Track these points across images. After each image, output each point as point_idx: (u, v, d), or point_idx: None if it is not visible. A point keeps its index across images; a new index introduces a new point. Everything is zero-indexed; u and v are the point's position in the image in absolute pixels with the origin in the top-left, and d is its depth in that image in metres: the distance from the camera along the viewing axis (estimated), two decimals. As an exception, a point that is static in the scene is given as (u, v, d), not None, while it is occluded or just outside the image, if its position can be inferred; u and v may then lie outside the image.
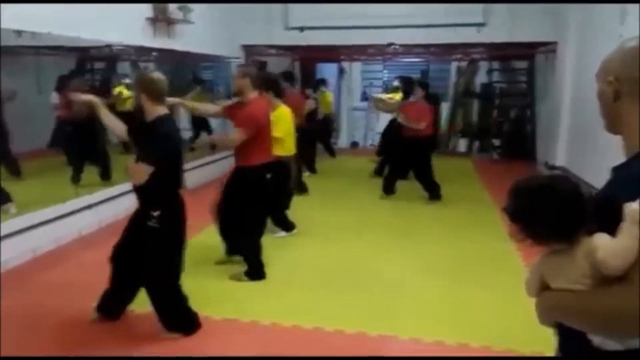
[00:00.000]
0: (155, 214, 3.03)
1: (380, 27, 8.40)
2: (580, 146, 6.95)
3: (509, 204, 1.26)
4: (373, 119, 12.02)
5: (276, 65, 10.32)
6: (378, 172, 8.29)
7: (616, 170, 1.25)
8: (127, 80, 6.78)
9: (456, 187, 7.93)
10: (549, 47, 8.47)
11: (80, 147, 6.06)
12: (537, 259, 1.30)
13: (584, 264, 1.15)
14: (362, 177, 8.47)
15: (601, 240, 1.14)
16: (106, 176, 6.15)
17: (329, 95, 9.68)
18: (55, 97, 5.94)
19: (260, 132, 4.09)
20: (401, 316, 3.63)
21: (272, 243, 5.06)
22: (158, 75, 3.16)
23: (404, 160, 7.05)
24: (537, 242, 1.24)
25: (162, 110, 3.10)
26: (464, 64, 11.34)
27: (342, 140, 12.31)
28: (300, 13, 8.59)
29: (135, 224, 3.19)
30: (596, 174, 5.96)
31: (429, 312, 3.70)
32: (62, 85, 5.82)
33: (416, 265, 4.61)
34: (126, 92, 6.46)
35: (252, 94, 4.13)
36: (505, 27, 8.08)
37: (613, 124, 1.29)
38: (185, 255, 3.27)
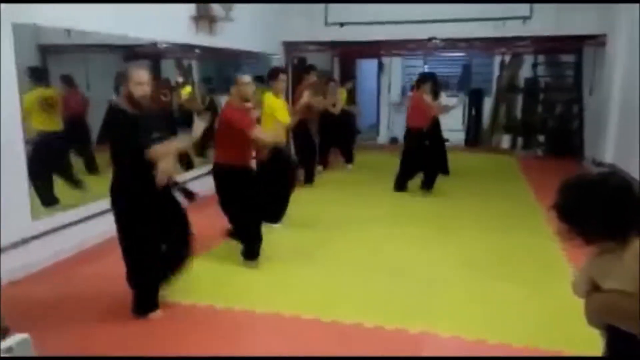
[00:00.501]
0: None
1: (421, 21, 8.30)
2: (630, 142, 6.70)
3: (558, 201, 1.23)
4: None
5: (316, 61, 10.35)
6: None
7: None
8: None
9: (499, 183, 7.81)
10: (598, 40, 8.19)
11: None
12: (586, 259, 1.27)
13: (634, 266, 1.12)
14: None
15: None
16: None
17: (342, 91, 9.32)
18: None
19: None
20: (441, 312, 3.58)
21: (308, 238, 5.11)
22: None
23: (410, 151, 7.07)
24: (586, 241, 1.21)
25: None
26: (507, 58, 11.09)
27: (382, 137, 12.26)
28: (340, 8, 8.57)
29: None
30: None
31: (468, 309, 3.64)
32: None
33: (455, 260, 4.55)
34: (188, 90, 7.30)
35: None
36: (552, 19, 7.86)
37: None
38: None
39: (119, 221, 3.33)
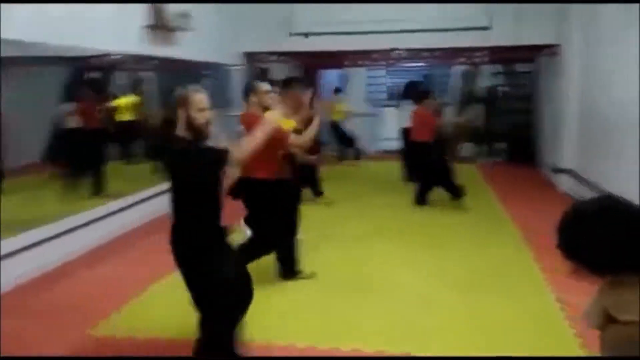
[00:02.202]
0: None
1: (384, 32, 8.33)
2: (590, 149, 6.82)
3: (563, 240, 1.13)
4: (379, 125, 12.03)
5: (279, 72, 10.25)
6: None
7: None
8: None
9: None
10: (552, 50, 8.35)
11: (84, 157, 6.01)
12: (598, 289, 1.18)
13: None
14: (378, 184, 8.35)
15: None
16: (98, 190, 6.04)
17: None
18: (66, 107, 5.84)
19: None
20: (421, 333, 3.44)
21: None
22: None
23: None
24: (599, 276, 1.12)
25: None
26: (467, 68, 11.24)
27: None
28: (304, 19, 8.51)
29: None
30: (607, 177, 5.84)
31: (449, 328, 3.51)
32: (71, 93, 5.85)
33: (442, 278, 4.39)
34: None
35: None
36: (510, 30, 8.00)
37: None
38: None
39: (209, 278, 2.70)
